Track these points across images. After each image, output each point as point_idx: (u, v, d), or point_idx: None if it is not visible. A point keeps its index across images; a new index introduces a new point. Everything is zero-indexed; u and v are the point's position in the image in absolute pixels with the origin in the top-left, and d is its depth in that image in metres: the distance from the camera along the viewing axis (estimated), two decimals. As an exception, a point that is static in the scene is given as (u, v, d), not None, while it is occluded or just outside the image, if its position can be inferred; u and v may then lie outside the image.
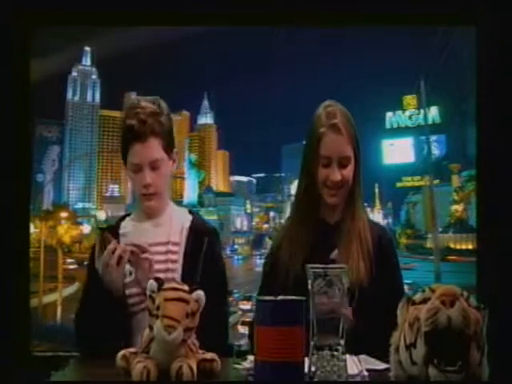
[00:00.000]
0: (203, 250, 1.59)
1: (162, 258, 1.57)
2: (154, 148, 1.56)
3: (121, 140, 1.59)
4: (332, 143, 1.55)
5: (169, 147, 1.59)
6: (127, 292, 1.52)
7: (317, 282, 1.01)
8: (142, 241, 1.54)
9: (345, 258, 1.47)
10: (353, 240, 1.53)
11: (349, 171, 1.57)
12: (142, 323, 1.45)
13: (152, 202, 1.60)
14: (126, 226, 1.65)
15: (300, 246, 1.56)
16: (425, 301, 0.95)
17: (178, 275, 1.55)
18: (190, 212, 1.70)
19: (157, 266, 1.54)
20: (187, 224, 1.63)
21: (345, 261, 1.45)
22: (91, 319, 1.51)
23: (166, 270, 1.56)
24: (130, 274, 1.55)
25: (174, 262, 1.58)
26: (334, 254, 1.49)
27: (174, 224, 1.63)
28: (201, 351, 1.13)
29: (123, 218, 1.70)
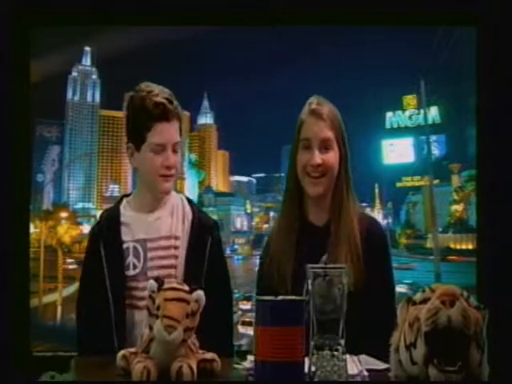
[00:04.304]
0: (207, 248, 1.56)
1: (164, 253, 1.54)
2: (176, 130, 1.53)
3: (139, 120, 1.51)
4: (312, 126, 1.51)
5: (181, 135, 1.56)
6: (129, 285, 1.51)
7: (316, 282, 1.01)
8: (144, 235, 1.53)
9: (333, 262, 1.44)
10: (342, 243, 1.47)
11: (331, 157, 1.50)
12: (143, 318, 1.43)
13: (170, 184, 1.56)
14: (127, 214, 1.59)
15: (288, 249, 1.51)
16: (425, 301, 0.95)
17: (180, 271, 1.53)
18: (188, 200, 1.65)
19: (160, 262, 1.52)
20: (189, 216, 1.59)
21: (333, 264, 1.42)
22: (90, 316, 1.51)
23: (170, 266, 1.53)
24: (134, 267, 1.53)
25: (177, 257, 1.55)
26: (325, 257, 1.47)
27: (176, 216, 1.59)
28: (201, 351, 1.13)
29: (120, 200, 1.64)
